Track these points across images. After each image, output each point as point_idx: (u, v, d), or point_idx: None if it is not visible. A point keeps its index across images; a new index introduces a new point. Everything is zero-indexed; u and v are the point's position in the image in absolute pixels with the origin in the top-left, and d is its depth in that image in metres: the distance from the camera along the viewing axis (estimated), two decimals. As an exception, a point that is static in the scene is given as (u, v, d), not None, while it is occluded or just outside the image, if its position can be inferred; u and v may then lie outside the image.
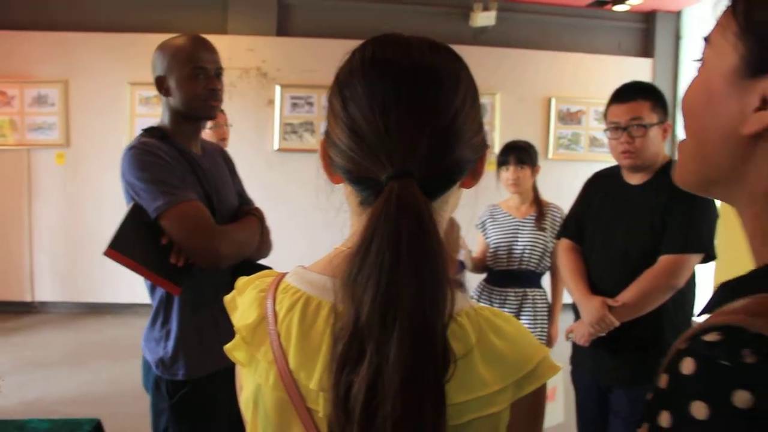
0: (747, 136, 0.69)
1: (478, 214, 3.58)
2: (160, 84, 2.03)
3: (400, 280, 0.72)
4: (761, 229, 0.73)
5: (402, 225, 0.73)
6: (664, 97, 2.45)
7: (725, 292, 0.69)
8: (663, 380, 0.64)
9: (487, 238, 3.51)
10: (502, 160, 3.39)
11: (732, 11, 0.71)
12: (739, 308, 0.64)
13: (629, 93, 2.46)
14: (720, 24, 0.73)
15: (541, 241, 3.37)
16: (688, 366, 0.61)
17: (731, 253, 1.75)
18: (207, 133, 4.65)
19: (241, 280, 0.95)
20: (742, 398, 0.57)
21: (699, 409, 0.59)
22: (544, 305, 3.41)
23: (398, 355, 0.71)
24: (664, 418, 0.62)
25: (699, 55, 0.75)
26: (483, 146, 0.87)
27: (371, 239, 0.74)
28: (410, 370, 0.71)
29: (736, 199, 0.75)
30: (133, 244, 1.90)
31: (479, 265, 3.48)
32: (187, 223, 1.89)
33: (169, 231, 1.89)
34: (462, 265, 3.31)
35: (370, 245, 0.74)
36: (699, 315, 0.74)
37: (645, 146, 2.39)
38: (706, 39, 0.74)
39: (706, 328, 0.63)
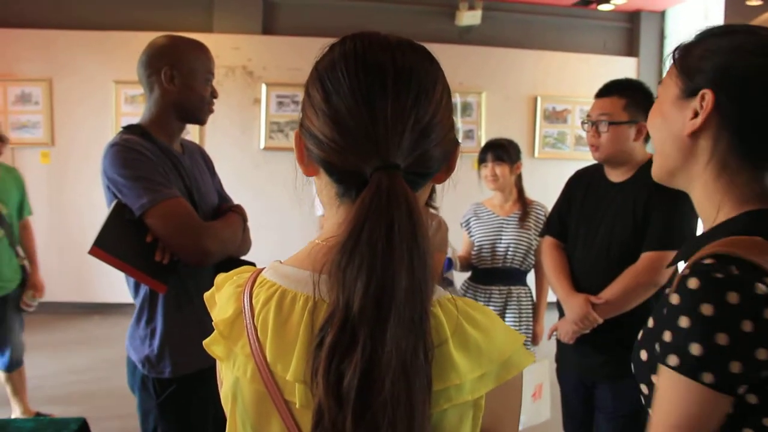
0: (687, 136, 1.10)
1: (462, 213, 3.60)
2: (167, 74, 2.00)
3: (395, 267, 0.74)
4: (709, 200, 1.11)
5: (395, 215, 0.75)
6: (645, 97, 2.43)
7: (693, 244, 1.07)
8: (674, 298, 0.97)
9: (471, 236, 3.53)
10: (482, 158, 3.45)
11: (673, 59, 1.15)
12: (720, 243, 1.00)
13: (607, 89, 2.49)
14: (669, 70, 1.15)
15: (525, 239, 3.39)
16: (693, 282, 0.96)
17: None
18: None
19: (220, 277, 0.96)
20: (733, 297, 0.92)
21: (707, 309, 0.93)
22: (529, 303, 3.43)
23: (396, 341, 0.72)
24: (684, 321, 0.95)
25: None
26: (455, 143, 0.90)
27: (361, 229, 0.75)
28: (407, 354, 0.73)
29: (691, 184, 1.14)
30: (118, 242, 1.89)
31: (464, 264, 3.50)
32: (172, 221, 1.88)
33: (155, 228, 1.88)
34: (450, 263, 3.32)
35: (361, 235, 0.75)
36: (675, 263, 1.21)
37: (609, 142, 2.42)
38: (660, 82, 1.19)
39: (702, 257, 0.98)
